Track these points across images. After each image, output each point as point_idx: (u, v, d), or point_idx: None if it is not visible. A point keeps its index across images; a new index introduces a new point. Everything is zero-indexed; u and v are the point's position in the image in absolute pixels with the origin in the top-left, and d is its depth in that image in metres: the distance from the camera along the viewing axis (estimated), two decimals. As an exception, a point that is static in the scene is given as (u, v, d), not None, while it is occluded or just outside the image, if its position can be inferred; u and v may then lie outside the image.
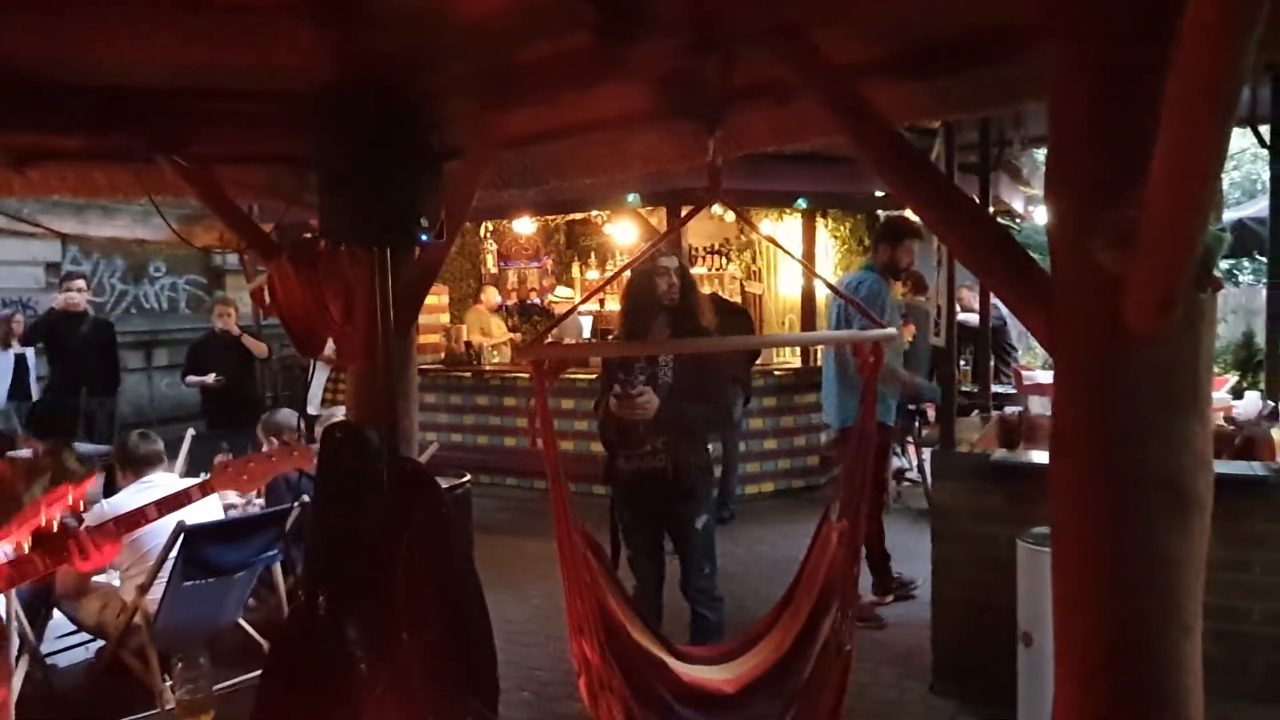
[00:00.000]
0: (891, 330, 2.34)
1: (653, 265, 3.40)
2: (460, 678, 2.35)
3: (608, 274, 9.02)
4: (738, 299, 9.15)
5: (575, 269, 10.36)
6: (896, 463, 6.52)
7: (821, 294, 7.86)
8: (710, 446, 3.57)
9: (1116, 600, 1.51)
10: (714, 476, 3.67)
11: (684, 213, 3.58)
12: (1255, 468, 3.33)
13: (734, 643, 2.34)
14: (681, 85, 2.36)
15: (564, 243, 10.79)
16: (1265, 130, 4.43)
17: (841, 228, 8.48)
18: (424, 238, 2.37)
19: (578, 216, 9.11)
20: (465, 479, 3.95)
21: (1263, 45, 2.17)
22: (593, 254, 10.26)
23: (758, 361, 7.25)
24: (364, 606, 2.38)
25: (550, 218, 9.23)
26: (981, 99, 2.37)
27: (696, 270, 9.34)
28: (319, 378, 8.19)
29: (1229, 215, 10.41)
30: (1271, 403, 4.17)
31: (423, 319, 8.60)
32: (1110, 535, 1.51)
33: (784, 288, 9.28)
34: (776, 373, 7.57)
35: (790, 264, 8.76)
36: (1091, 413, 1.53)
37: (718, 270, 9.57)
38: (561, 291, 10.12)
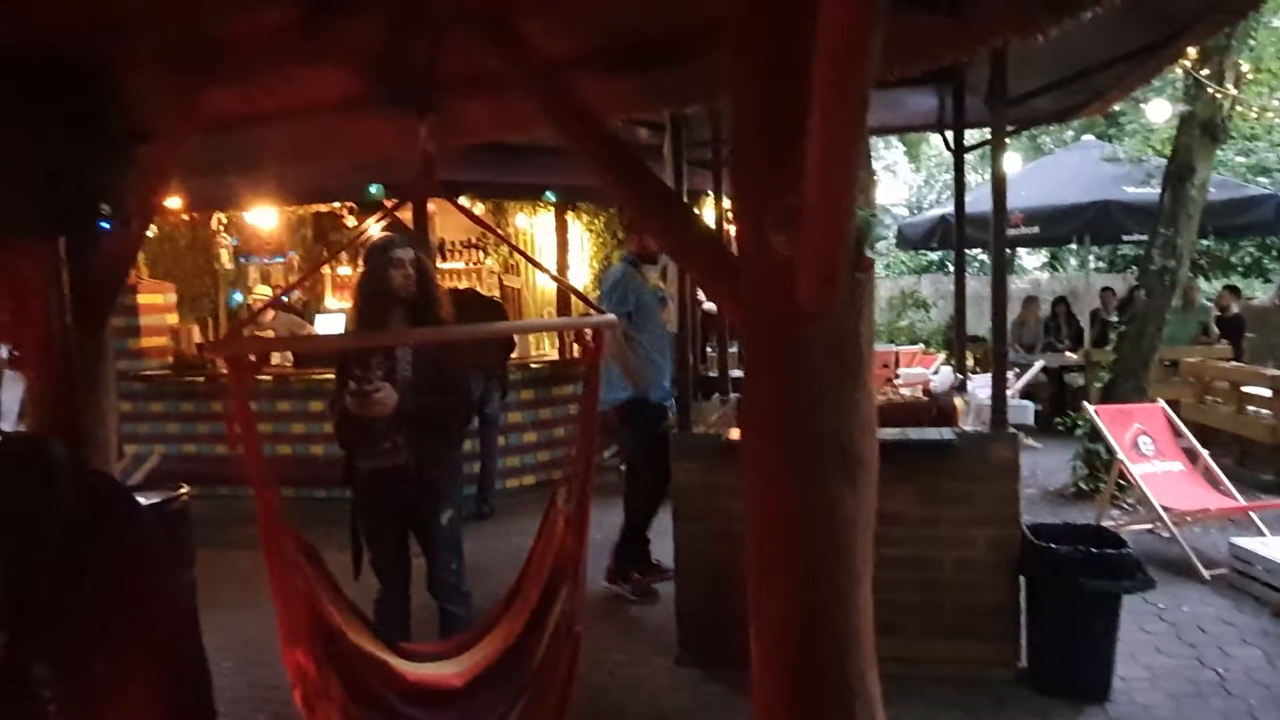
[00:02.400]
0: (609, 317, 2.40)
1: (387, 257, 3.29)
2: (167, 707, 2.16)
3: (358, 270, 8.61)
4: (496, 293, 9.09)
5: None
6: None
7: (584, 285, 7.98)
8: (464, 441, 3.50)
9: (796, 554, 1.65)
10: (460, 471, 3.61)
11: (412, 205, 3.49)
12: (945, 433, 3.77)
13: (464, 636, 2.32)
14: (391, 68, 2.29)
15: (311, 237, 10.20)
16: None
17: (596, 221, 8.65)
18: (105, 226, 2.14)
19: (323, 208, 8.65)
20: (181, 492, 3.63)
21: (921, 56, 2.42)
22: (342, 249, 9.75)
23: (515, 354, 7.24)
24: (50, 640, 2.13)
25: (294, 209, 8.70)
26: (687, 93, 2.50)
27: (452, 265, 9.18)
28: (11, 389, 7.21)
29: (938, 212, 11.76)
30: (961, 376, 4.74)
31: (147, 320, 7.91)
32: (788, 496, 1.65)
33: (543, 281, 9.33)
34: (534, 365, 7.60)
35: (550, 257, 8.82)
36: (771, 385, 1.65)
37: (475, 264, 9.46)
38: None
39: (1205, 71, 5.95)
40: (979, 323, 9.88)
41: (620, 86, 2.47)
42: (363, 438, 3.21)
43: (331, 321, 7.82)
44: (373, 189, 6.81)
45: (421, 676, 2.08)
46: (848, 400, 1.65)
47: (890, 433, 3.65)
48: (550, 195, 7.68)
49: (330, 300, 9.08)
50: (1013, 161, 10.01)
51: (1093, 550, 3.41)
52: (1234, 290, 10.16)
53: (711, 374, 6.01)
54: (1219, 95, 5.93)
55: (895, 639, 3.60)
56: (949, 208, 9.90)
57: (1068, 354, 9.43)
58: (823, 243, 1.51)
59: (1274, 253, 14.23)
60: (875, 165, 28.25)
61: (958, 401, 3.96)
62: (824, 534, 1.64)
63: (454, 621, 3.33)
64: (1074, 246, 13.08)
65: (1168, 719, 3.30)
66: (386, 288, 3.24)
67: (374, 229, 5.15)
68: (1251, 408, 6.71)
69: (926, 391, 4.38)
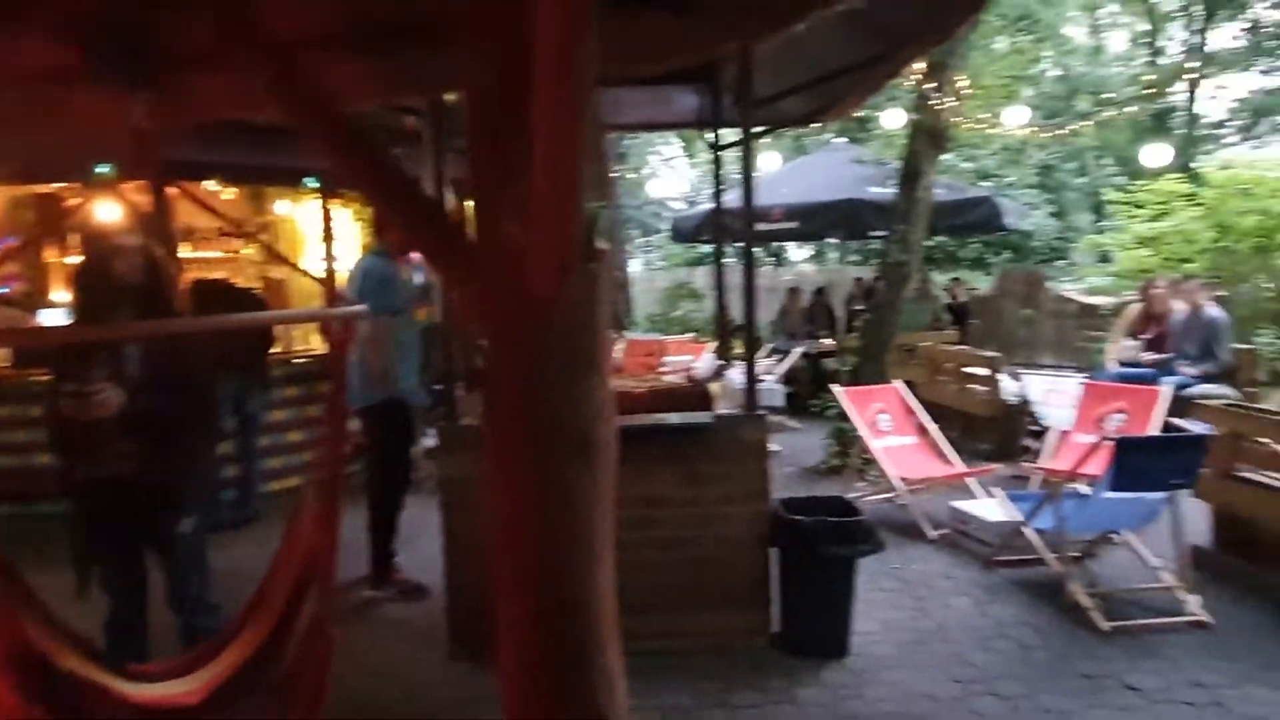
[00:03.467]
0: (355, 309, 2.33)
1: (110, 245, 3.00)
2: None
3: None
4: (258, 284, 8.53)
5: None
6: (428, 441, 6.60)
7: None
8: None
9: (534, 538, 1.68)
10: (211, 475, 3.37)
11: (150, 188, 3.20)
12: (705, 417, 3.97)
13: (202, 649, 2.18)
14: (104, 37, 2.09)
15: (34, 220, 9.09)
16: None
17: (364, 209, 8.32)
18: None
19: (46, 189, 7.73)
20: None
21: (662, 55, 2.52)
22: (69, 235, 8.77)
23: (278, 349, 6.83)
24: None
25: (14, 189, 7.72)
26: (438, 79, 2.47)
27: (208, 254, 8.52)
28: None
29: (709, 206, 12.30)
30: (722, 362, 5.00)
31: None
32: (528, 481, 1.68)
33: (309, 271, 8.86)
34: (298, 361, 7.20)
35: (316, 247, 8.38)
36: (508, 373, 1.68)
37: (233, 253, 8.82)
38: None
39: (930, 85, 6.62)
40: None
41: (365, 69, 2.40)
42: (82, 444, 2.92)
43: (57, 316, 7.03)
44: (102, 168, 6.16)
45: (150, 698, 1.93)
46: (583, 387, 1.71)
47: (653, 418, 3.80)
48: (311, 181, 7.28)
49: (58, 293, 8.16)
50: (772, 160, 10.67)
51: (832, 520, 3.72)
52: (959, 281, 11.39)
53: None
54: (941, 106, 6.63)
55: (661, 616, 3.77)
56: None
57: (825, 341, 10.19)
58: (553, 232, 1.54)
59: (995, 248, 16.11)
60: (654, 159, 29.07)
61: (715, 386, 4.18)
62: (561, 518, 1.68)
63: (199, 636, 3.11)
64: (833, 241, 14.20)
65: (896, 666, 3.67)
66: (109, 278, 2.96)
67: (100, 212, 4.67)
68: (972, 386, 7.57)
69: (691, 378, 4.58)
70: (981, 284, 14.24)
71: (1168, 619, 3.95)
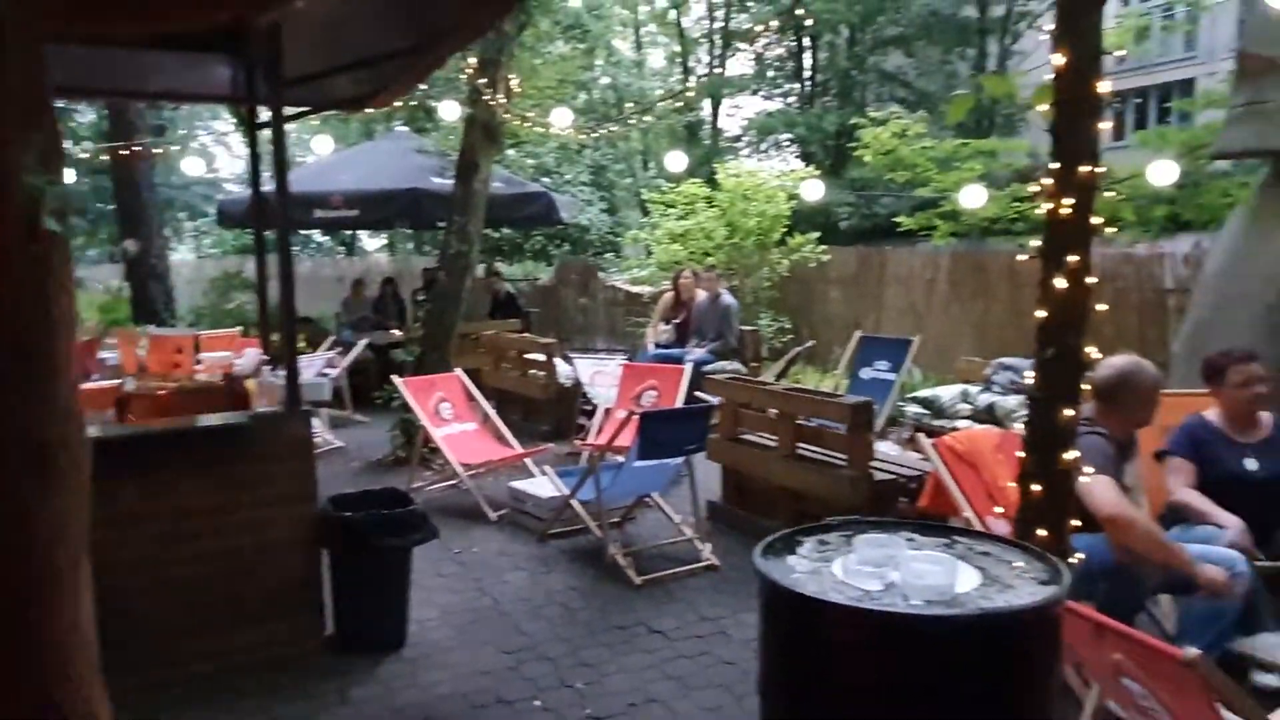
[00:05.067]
0: None
1: None
2: None
3: None
4: None
5: None
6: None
7: None
8: None
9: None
10: None
11: None
12: (239, 417, 3.68)
13: None
14: None
15: None
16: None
17: None
18: None
19: None
20: None
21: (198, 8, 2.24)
22: None
23: None
24: None
25: None
26: None
27: None
28: None
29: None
30: (265, 357, 4.67)
31: None
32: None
33: None
34: None
35: None
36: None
37: None
38: None
39: (482, 81, 6.81)
40: (310, 304, 9.95)
41: None
42: None
43: None
44: None
45: None
46: (37, 392, 1.48)
47: (180, 422, 3.43)
48: None
49: None
50: (324, 143, 10.21)
51: (384, 512, 3.68)
52: (498, 275, 11.88)
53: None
54: (494, 103, 6.85)
55: (204, 637, 3.44)
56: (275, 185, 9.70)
57: (394, 331, 10.04)
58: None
59: (557, 241, 17.18)
60: (205, 136, 26.30)
61: (251, 384, 3.89)
62: (11, 542, 1.44)
63: None
64: (406, 230, 13.98)
65: (453, 648, 3.75)
66: None
67: None
68: (532, 371, 8.00)
69: (228, 375, 4.22)
70: (544, 275, 15.11)
71: (688, 566, 4.55)
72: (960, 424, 5.75)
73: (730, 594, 4.25)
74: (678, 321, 8.59)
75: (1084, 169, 2.53)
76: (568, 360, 7.81)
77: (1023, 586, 1.95)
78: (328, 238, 22.25)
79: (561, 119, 7.51)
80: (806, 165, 13.80)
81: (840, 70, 24.49)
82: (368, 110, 8.17)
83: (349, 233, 20.89)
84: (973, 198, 7.67)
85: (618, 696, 3.33)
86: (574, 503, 4.80)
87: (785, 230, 10.56)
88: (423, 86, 7.64)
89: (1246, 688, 2.88)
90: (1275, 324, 4.36)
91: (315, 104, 5.18)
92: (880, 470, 4.73)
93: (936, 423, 5.94)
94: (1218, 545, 3.20)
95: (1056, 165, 2.57)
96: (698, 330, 8.41)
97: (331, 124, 13.97)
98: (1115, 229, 10.07)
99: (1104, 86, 2.53)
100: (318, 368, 7.64)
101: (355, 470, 6.71)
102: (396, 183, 9.70)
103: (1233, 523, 3.30)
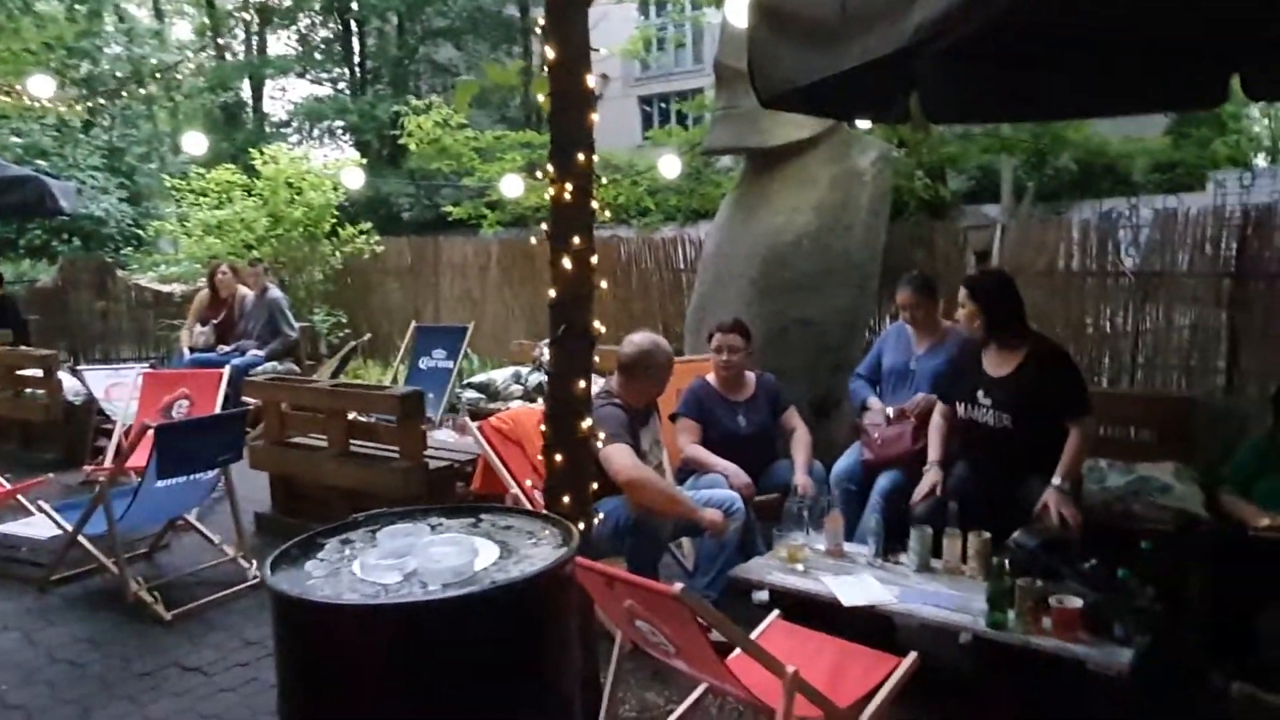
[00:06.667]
0: None
1: None
2: None
3: None
4: None
5: None
6: None
7: None
8: None
9: None
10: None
11: None
12: None
13: None
14: None
15: None
16: None
17: None
18: None
19: None
20: None
21: None
22: None
23: None
24: None
25: None
26: None
27: None
28: None
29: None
30: None
31: None
32: None
33: None
34: None
35: None
36: None
37: None
38: None
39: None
40: None
41: None
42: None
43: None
44: None
45: None
46: None
47: None
48: None
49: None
50: None
51: None
52: None
53: None
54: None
55: None
56: None
57: None
58: None
59: (65, 235, 14.58)
60: None
61: None
62: None
63: None
64: None
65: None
66: None
67: None
68: (28, 390, 6.69)
69: None
70: (45, 274, 12.75)
71: (232, 589, 4.12)
72: (514, 404, 5.96)
73: (280, 611, 3.93)
74: (216, 322, 7.77)
75: (580, 156, 2.71)
76: (76, 374, 6.66)
77: (538, 554, 2.04)
78: None
79: (42, 88, 6.32)
80: (362, 155, 13.33)
81: (392, 59, 24.13)
82: None
83: None
84: (512, 187, 7.98)
85: (141, 753, 2.90)
86: (82, 539, 4.09)
87: (336, 221, 10.09)
88: None
89: (751, 606, 3.37)
90: (757, 293, 5.14)
91: None
92: (435, 458, 4.71)
93: (491, 405, 6.09)
94: (721, 490, 3.70)
95: (555, 153, 2.72)
96: (245, 330, 7.68)
97: None
98: (643, 218, 11.26)
99: (592, 81, 2.73)
100: None
101: None
102: None
103: (732, 470, 3.83)
